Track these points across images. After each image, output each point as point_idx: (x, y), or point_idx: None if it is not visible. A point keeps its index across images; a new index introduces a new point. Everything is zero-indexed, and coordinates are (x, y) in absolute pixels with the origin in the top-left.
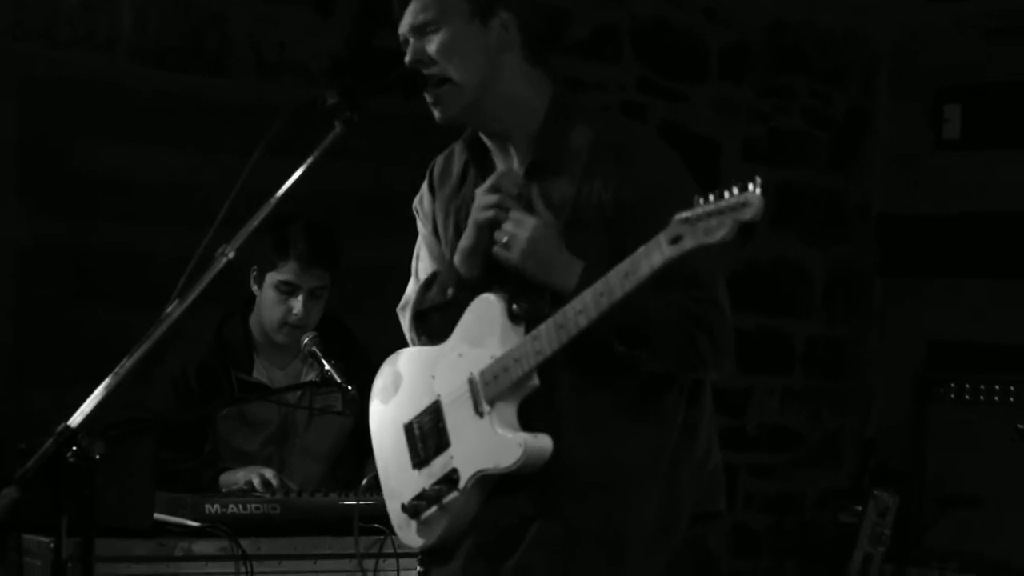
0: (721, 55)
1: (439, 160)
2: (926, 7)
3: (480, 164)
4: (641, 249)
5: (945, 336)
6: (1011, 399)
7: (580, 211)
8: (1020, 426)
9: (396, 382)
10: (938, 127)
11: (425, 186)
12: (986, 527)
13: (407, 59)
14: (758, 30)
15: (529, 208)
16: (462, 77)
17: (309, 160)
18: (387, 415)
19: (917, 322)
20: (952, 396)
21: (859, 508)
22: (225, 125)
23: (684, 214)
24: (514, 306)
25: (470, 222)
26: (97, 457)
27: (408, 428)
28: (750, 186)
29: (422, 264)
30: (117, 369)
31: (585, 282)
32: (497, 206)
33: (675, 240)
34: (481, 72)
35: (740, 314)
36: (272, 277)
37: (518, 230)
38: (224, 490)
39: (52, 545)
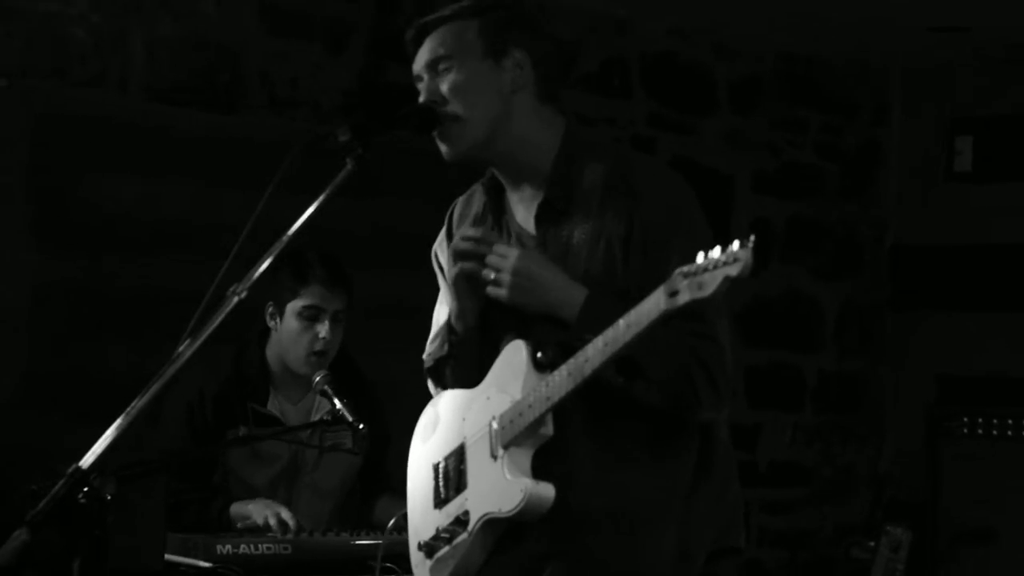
0: (731, 88)
1: (459, 203)
2: (938, 38)
3: (496, 207)
4: (644, 301)
5: (957, 370)
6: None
7: (596, 248)
8: None
9: (435, 422)
10: (950, 159)
11: (443, 232)
12: (1000, 562)
13: (421, 98)
14: (768, 62)
15: (541, 250)
16: (473, 116)
17: (321, 197)
18: (422, 455)
19: (929, 355)
20: (965, 430)
21: (872, 544)
22: (237, 161)
23: (684, 268)
24: (539, 354)
25: (449, 281)
26: (109, 498)
27: (435, 468)
28: (739, 243)
29: (438, 313)
30: (129, 409)
31: (589, 309)
32: (470, 254)
33: (673, 294)
34: (493, 111)
35: (751, 349)
36: (295, 305)
37: (502, 263)
38: (236, 522)
39: None
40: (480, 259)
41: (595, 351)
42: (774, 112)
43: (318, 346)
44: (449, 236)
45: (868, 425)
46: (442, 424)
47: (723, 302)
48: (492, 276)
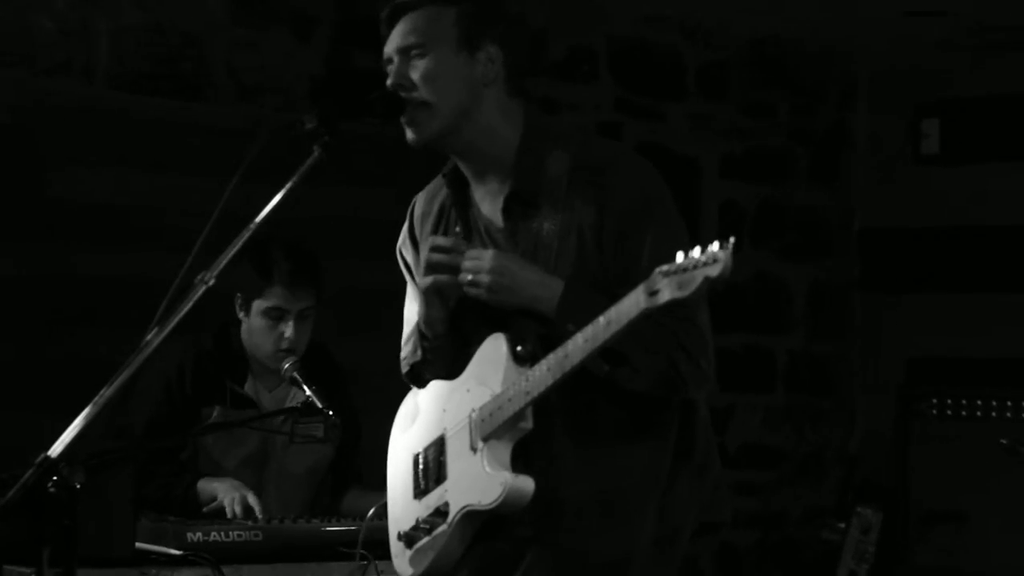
0: (700, 73)
1: (420, 200)
2: (904, 22)
3: (460, 200)
4: (624, 299)
5: (927, 351)
6: (993, 414)
7: (568, 239)
8: (1004, 441)
9: (414, 413)
10: (917, 142)
11: (406, 230)
12: (970, 543)
13: (389, 81)
14: (737, 47)
15: (511, 243)
16: (441, 104)
17: (288, 185)
18: (402, 445)
19: (899, 337)
20: (935, 411)
21: (843, 525)
22: (204, 149)
23: (664, 267)
24: (519, 348)
25: (420, 289)
26: (78, 486)
27: (415, 459)
28: (718, 244)
29: (408, 311)
30: (97, 398)
31: (567, 300)
32: (442, 265)
33: (653, 292)
34: (461, 102)
35: (721, 332)
36: (259, 304)
37: (478, 263)
38: (202, 498)
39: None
40: (452, 268)
41: (575, 347)
42: (742, 97)
43: (283, 344)
44: (411, 234)
45: (838, 407)
46: (422, 415)
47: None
48: (469, 278)
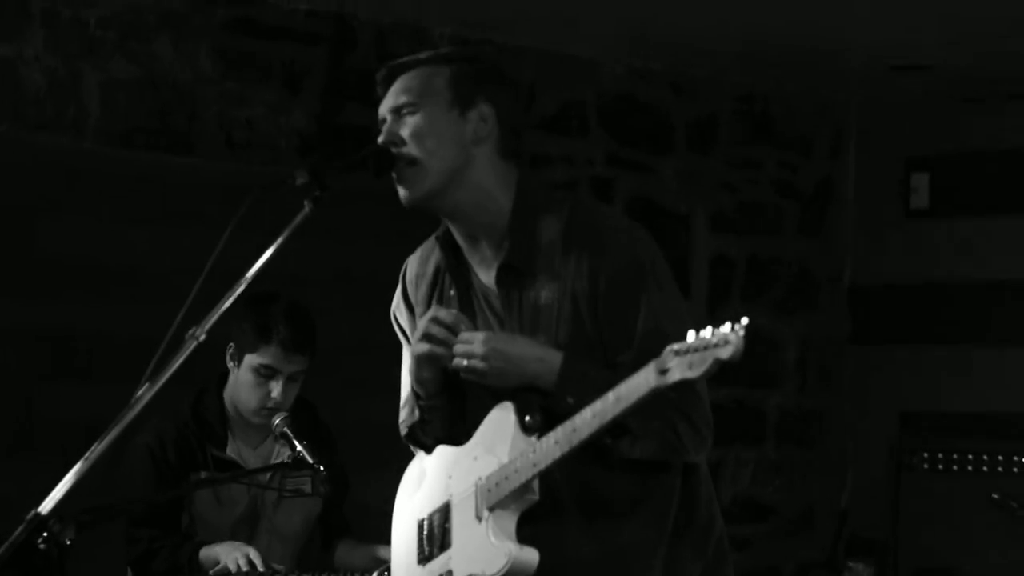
0: (688, 127)
1: (412, 262)
2: (892, 77)
3: (454, 264)
4: (634, 376)
5: (918, 405)
6: (984, 468)
7: (567, 303)
8: (995, 495)
9: (420, 477)
10: (906, 196)
11: (399, 294)
12: None
13: (380, 138)
14: (725, 101)
15: (507, 310)
16: (430, 162)
17: (279, 240)
18: (407, 509)
19: (889, 391)
20: (926, 466)
21: None
22: (194, 204)
23: (675, 346)
24: (527, 418)
25: (413, 355)
26: (68, 543)
27: (420, 524)
28: (730, 325)
29: (405, 375)
30: (88, 454)
31: (566, 373)
32: (438, 339)
33: (663, 371)
34: (451, 160)
35: (712, 386)
36: (252, 360)
37: (469, 348)
38: (205, 567)
39: None
40: (448, 343)
41: (583, 422)
42: (731, 151)
43: (269, 404)
44: (405, 297)
45: (829, 461)
46: (428, 480)
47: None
48: (464, 363)
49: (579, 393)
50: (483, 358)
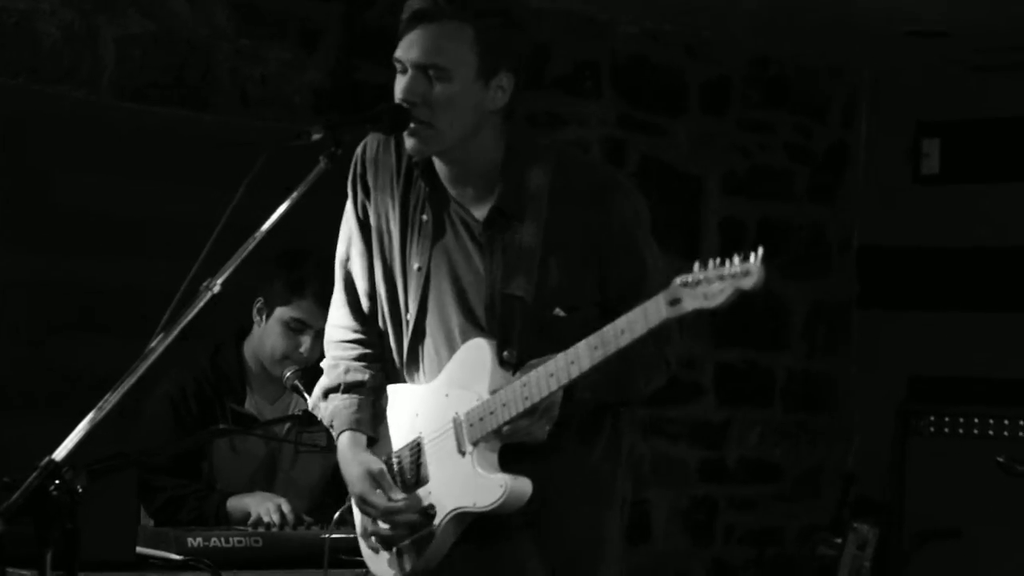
0: (702, 90)
1: (371, 143)
2: (905, 42)
3: (430, 191)
4: (639, 307)
5: (925, 369)
6: (990, 432)
7: (548, 253)
8: (1000, 459)
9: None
10: (917, 162)
11: (353, 172)
12: (966, 559)
13: (400, 91)
14: (740, 65)
15: (488, 248)
16: (447, 128)
17: (294, 195)
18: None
19: (897, 355)
20: (932, 429)
21: (839, 541)
22: (208, 159)
23: (684, 277)
24: (505, 353)
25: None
26: (80, 491)
27: (388, 462)
28: (752, 256)
29: (339, 271)
30: (101, 403)
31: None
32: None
33: (674, 302)
34: (466, 129)
35: (721, 347)
36: (283, 312)
37: (533, 427)
38: (233, 516)
39: None
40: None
41: (585, 352)
42: (744, 114)
43: (295, 357)
44: (363, 180)
45: (836, 423)
46: (391, 420)
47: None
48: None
49: (592, 387)
50: (540, 421)
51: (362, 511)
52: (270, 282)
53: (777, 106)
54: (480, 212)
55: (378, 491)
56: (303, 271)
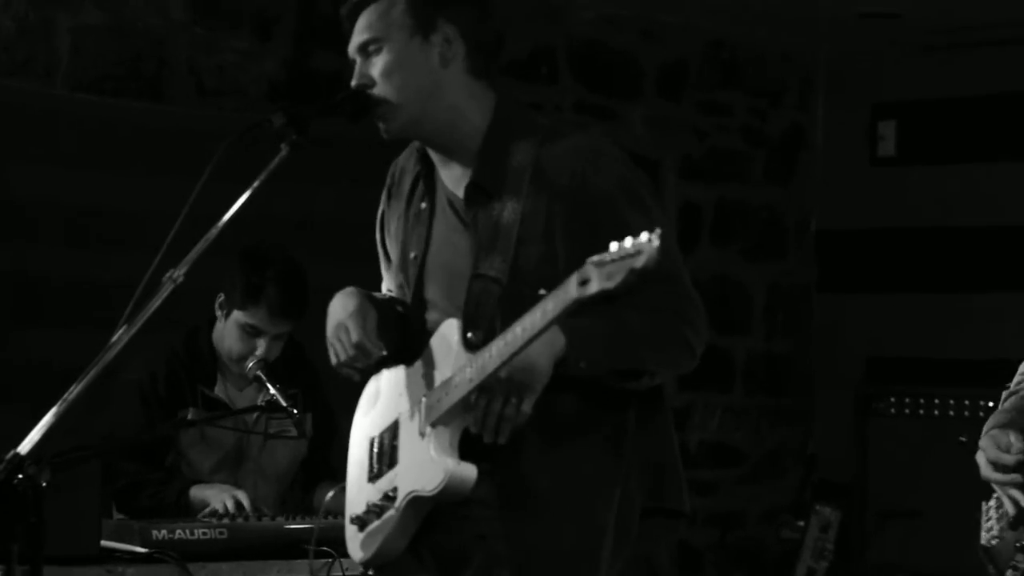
0: (658, 73)
1: (405, 154)
2: (861, 24)
3: (428, 178)
4: (559, 288)
5: (884, 351)
6: (950, 412)
7: (529, 226)
8: (963, 438)
9: (376, 396)
10: (873, 144)
11: (384, 193)
12: (928, 540)
13: (353, 81)
14: (695, 48)
15: (473, 226)
16: (403, 97)
17: (255, 184)
18: (361, 428)
19: (856, 337)
20: (892, 410)
21: (801, 523)
22: (164, 150)
23: (595, 258)
24: (469, 334)
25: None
26: (44, 484)
27: (371, 442)
28: (646, 236)
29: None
30: (65, 396)
31: (573, 341)
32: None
33: (584, 282)
34: (422, 89)
35: None
36: (239, 316)
37: (493, 406)
38: (195, 507)
39: (2, 573)
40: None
41: (515, 336)
42: (700, 97)
43: (251, 359)
44: (385, 190)
45: (796, 406)
46: (382, 399)
47: (678, 253)
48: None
49: (587, 356)
50: (508, 394)
51: (335, 342)
52: (231, 281)
53: (733, 89)
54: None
55: (360, 329)
56: (260, 278)
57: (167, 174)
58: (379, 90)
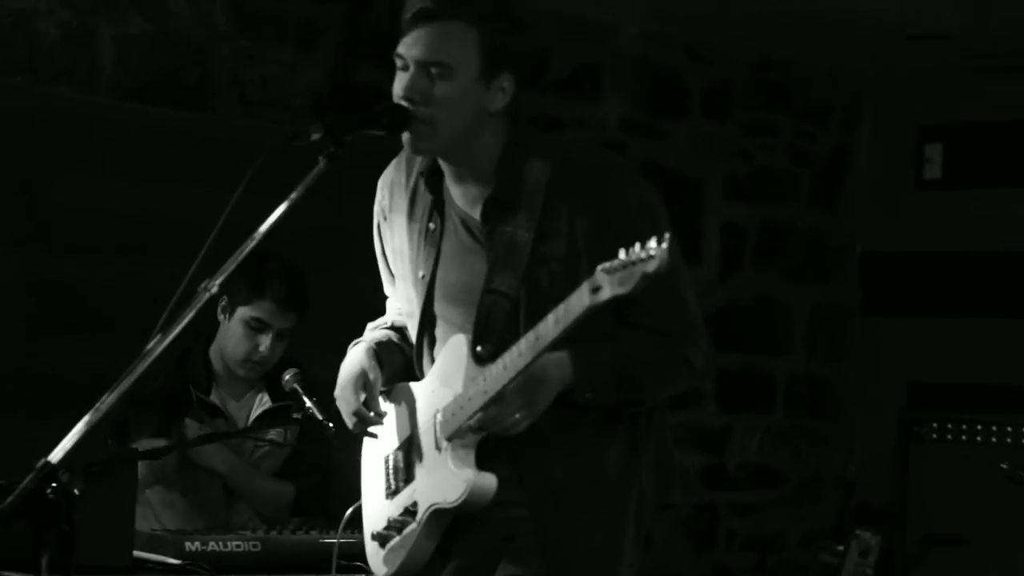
0: (704, 93)
1: (389, 169)
2: (908, 46)
3: (439, 200)
4: (570, 297)
5: (927, 375)
6: (993, 439)
7: (544, 244)
8: (1004, 466)
9: (388, 415)
10: (919, 166)
11: (377, 207)
12: (968, 567)
13: (400, 89)
14: (742, 68)
15: (489, 243)
16: (446, 127)
17: (293, 196)
18: (373, 447)
19: (899, 361)
20: (934, 436)
21: (841, 548)
22: (206, 160)
23: (605, 265)
24: (478, 348)
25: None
26: (77, 493)
27: (386, 460)
28: (655, 241)
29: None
30: (98, 405)
31: (579, 372)
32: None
33: (596, 290)
34: (467, 127)
35: (722, 352)
36: (244, 312)
37: (501, 413)
38: None
39: None
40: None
41: (528, 345)
42: (746, 117)
43: (255, 357)
44: (377, 204)
45: (837, 429)
46: (394, 416)
47: (685, 269)
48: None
49: (594, 387)
50: (518, 412)
51: (341, 404)
52: (234, 283)
53: (779, 110)
54: (479, 211)
55: (361, 394)
56: (264, 271)
57: (209, 184)
58: (427, 112)
